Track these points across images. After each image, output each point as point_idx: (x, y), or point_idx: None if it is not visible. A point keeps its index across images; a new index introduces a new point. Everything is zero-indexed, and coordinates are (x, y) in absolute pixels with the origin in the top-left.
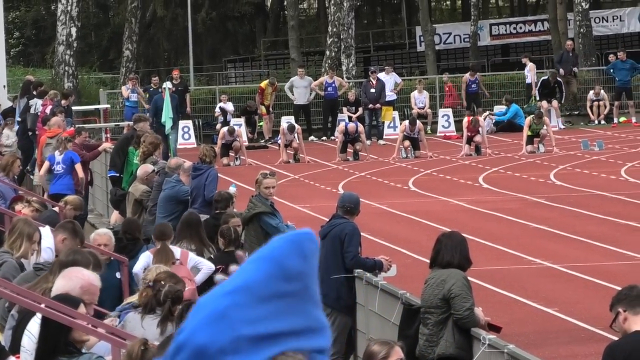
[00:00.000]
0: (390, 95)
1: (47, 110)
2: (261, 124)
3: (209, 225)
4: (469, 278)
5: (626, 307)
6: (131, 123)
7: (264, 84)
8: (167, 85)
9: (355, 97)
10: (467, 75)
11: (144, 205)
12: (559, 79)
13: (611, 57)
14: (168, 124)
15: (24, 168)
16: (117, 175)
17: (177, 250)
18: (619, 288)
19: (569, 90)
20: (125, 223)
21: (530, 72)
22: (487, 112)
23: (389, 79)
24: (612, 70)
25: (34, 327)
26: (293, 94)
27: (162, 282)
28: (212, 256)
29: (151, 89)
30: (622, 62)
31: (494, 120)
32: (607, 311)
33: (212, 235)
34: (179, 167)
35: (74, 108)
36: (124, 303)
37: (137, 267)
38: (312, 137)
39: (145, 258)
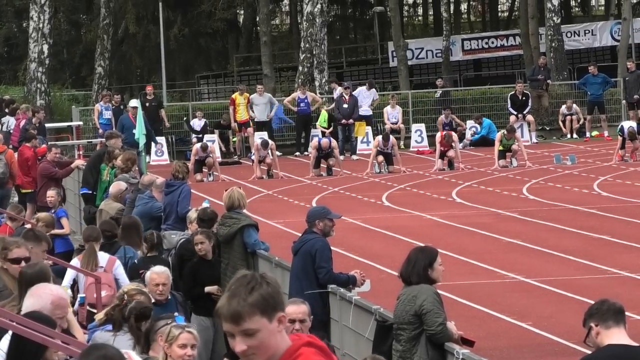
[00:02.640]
0: (366, 110)
1: (22, 125)
2: (235, 139)
3: (190, 244)
4: (442, 292)
5: (598, 321)
6: (104, 140)
7: (234, 95)
8: (132, 103)
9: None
10: (442, 117)
11: (119, 223)
12: (526, 91)
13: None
14: (142, 141)
15: None
16: (90, 192)
17: (104, 257)
18: (592, 302)
19: (540, 104)
20: (104, 223)
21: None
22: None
23: (369, 95)
24: (583, 85)
25: (5, 344)
26: (253, 112)
27: (130, 298)
28: (135, 261)
29: (113, 107)
30: (593, 77)
31: (470, 141)
32: (581, 325)
33: (190, 256)
34: (152, 184)
35: (46, 125)
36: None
37: (66, 282)
38: (277, 152)
39: (71, 270)
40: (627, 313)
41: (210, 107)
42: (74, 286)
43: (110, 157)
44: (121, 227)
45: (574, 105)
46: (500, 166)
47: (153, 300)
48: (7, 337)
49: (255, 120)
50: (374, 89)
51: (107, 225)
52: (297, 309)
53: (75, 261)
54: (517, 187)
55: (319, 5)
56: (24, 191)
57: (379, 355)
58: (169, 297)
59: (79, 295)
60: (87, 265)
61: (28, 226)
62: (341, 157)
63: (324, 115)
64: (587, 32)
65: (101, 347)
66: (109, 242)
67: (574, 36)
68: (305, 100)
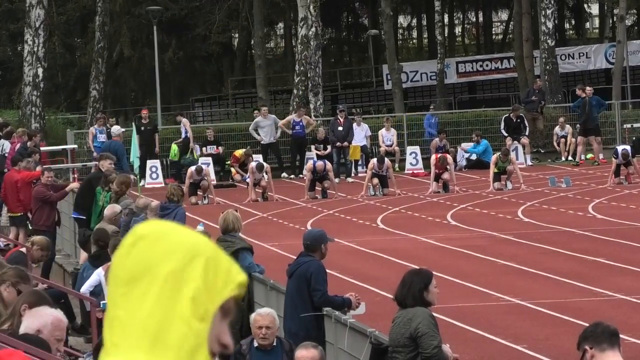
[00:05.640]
0: (361, 141)
1: (16, 148)
2: (228, 162)
3: None
4: (437, 315)
5: (592, 344)
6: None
7: (239, 153)
8: (117, 130)
9: (325, 135)
10: (436, 140)
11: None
12: (521, 114)
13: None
14: (136, 164)
15: None
16: (82, 217)
17: None
18: (587, 324)
19: (535, 127)
20: (97, 232)
21: (184, 127)
22: (461, 148)
23: (360, 131)
24: (578, 108)
25: None
26: (258, 134)
27: None
28: None
29: (107, 130)
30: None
31: (466, 155)
32: (575, 348)
33: None
34: (147, 207)
35: (41, 149)
36: None
37: (86, 286)
38: (284, 174)
39: (96, 276)
40: (621, 336)
41: (205, 130)
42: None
43: (107, 181)
44: None
45: (567, 126)
46: (495, 189)
47: (256, 345)
48: None
49: (262, 143)
50: (363, 124)
51: (100, 236)
52: (306, 353)
53: (101, 271)
54: (512, 209)
55: (313, 29)
56: (11, 215)
57: None
58: (274, 344)
59: (101, 302)
60: None
61: (23, 250)
62: (336, 180)
63: (174, 148)
64: (581, 54)
65: None
66: (104, 252)
67: (569, 59)
68: (300, 124)
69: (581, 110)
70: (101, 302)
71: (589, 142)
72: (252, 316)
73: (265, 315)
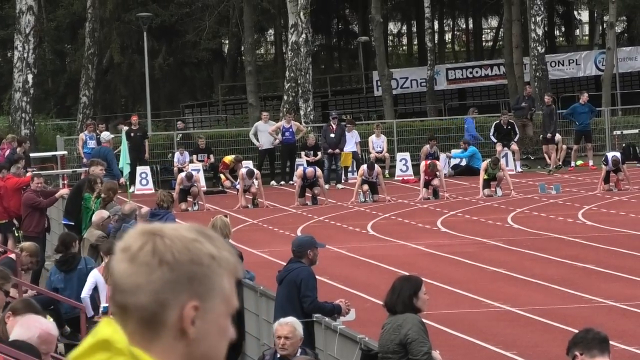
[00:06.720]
0: (352, 146)
1: (6, 155)
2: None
3: None
4: (427, 322)
5: (583, 350)
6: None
7: (228, 159)
8: (107, 136)
9: (315, 141)
10: (426, 147)
11: (99, 250)
12: (511, 120)
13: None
14: (126, 170)
15: None
16: (71, 224)
17: None
18: (577, 331)
19: (525, 133)
20: (63, 236)
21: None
22: (445, 154)
23: (350, 137)
24: (571, 115)
25: None
26: (258, 140)
27: None
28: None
29: (97, 137)
30: (581, 106)
31: (451, 157)
32: (566, 354)
33: None
34: (133, 212)
35: (31, 155)
36: None
37: (85, 292)
38: (272, 182)
39: (92, 278)
40: (611, 342)
41: (195, 136)
42: (95, 294)
43: (92, 185)
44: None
45: (557, 135)
46: (485, 195)
47: (278, 355)
48: None
49: (260, 148)
50: (354, 130)
51: (67, 240)
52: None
53: (96, 272)
54: (502, 216)
55: (303, 35)
56: None
57: None
58: (298, 354)
59: (101, 305)
60: (109, 276)
61: (12, 256)
62: (326, 186)
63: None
64: (571, 61)
65: None
66: (71, 257)
67: (559, 66)
68: (290, 130)
69: (543, 118)
70: (102, 305)
71: (580, 149)
72: (274, 325)
73: (285, 325)
